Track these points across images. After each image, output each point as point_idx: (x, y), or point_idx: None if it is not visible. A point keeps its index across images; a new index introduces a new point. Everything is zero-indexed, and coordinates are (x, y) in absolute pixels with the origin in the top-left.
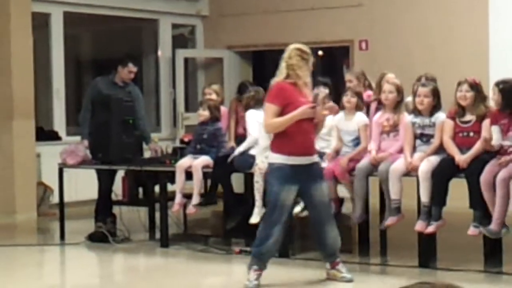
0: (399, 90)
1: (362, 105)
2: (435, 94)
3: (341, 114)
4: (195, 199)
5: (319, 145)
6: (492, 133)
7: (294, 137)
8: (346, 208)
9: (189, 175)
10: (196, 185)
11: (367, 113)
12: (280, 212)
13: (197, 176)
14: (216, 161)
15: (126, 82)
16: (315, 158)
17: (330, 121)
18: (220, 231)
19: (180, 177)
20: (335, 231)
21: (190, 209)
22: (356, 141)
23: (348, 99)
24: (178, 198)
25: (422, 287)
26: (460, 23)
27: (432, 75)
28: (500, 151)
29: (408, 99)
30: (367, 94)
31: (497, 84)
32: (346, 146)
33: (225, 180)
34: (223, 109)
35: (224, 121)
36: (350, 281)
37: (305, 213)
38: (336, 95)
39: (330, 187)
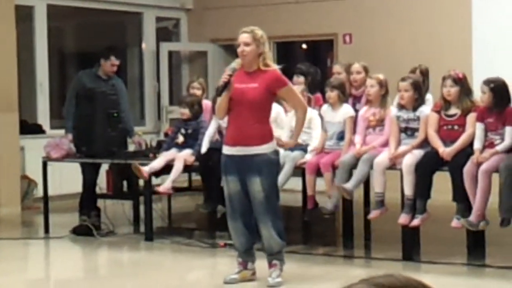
0: (382, 84)
1: (343, 97)
2: (416, 87)
3: (327, 105)
4: (168, 184)
5: (300, 138)
6: (476, 130)
7: (229, 127)
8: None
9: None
10: (174, 173)
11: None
12: (228, 204)
13: (178, 165)
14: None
15: (109, 75)
16: (253, 149)
17: (309, 113)
18: (204, 225)
19: (159, 162)
20: (267, 232)
21: (161, 188)
22: (341, 135)
23: (328, 95)
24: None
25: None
26: (443, 16)
27: (426, 67)
28: (486, 145)
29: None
30: None
31: (488, 83)
32: (330, 139)
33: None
34: (207, 102)
35: (208, 114)
36: (270, 286)
37: None
38: (321, 88)
39: (310, 181)
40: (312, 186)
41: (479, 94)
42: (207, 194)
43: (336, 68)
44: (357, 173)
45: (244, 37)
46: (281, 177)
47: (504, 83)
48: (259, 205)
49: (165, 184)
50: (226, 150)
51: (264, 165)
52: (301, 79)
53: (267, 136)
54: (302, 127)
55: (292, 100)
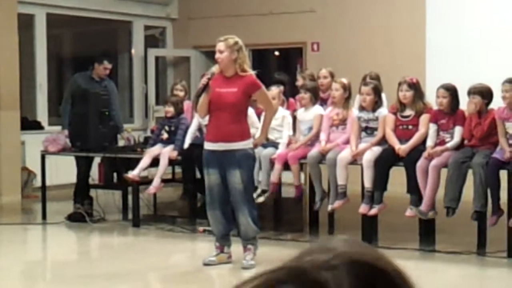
0: (345, 88)
1: (314, 100)
2: (376, 91)
3: (302, 108)
4: (157, 181)
5: (273, 135)
6: (429, 129)
7: (210, 125)
8: (288, 192)
9: (155, 162)
10: (160, 170)
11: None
12: (208, 194)
13: (163, 162)
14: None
15: (102, 77)
16: (233, 145)
17: (282, 112)
18: (186, 213)
19: (145, 161)
20: (245, 219)
21: (152, 189)
22: (311, 129)
23: (302, 96)
24: (156, 182)
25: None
26: (399, 27)
27: (376, 73)
28: (438, 143)
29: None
30: None
31: (447, 89)
32: (303, 135)
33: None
34: (188, 102)
35: (189, 113)
36: (244, 267)
37: (261, 198)
38: (292, 91)
39: (278, 171)
40: (277, 175)
41: (432, 97)
42: (186, 186)
43: (298, 77)
44: (331, 184)
45: (219, 45)
46: (262, 174)
47: (456, 89)
48: (238, 195)
49: (154, 183)
50: (208, 146)
51: (243, 159)
52: (281, 88)
53: (246, 134)
54: (269, 125)
55: (264, 101)
